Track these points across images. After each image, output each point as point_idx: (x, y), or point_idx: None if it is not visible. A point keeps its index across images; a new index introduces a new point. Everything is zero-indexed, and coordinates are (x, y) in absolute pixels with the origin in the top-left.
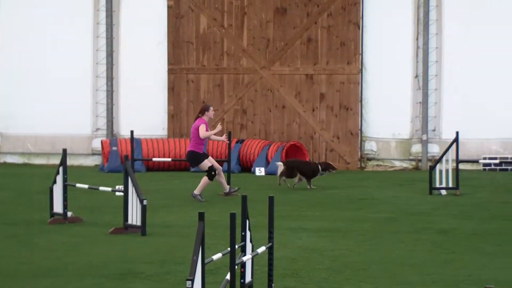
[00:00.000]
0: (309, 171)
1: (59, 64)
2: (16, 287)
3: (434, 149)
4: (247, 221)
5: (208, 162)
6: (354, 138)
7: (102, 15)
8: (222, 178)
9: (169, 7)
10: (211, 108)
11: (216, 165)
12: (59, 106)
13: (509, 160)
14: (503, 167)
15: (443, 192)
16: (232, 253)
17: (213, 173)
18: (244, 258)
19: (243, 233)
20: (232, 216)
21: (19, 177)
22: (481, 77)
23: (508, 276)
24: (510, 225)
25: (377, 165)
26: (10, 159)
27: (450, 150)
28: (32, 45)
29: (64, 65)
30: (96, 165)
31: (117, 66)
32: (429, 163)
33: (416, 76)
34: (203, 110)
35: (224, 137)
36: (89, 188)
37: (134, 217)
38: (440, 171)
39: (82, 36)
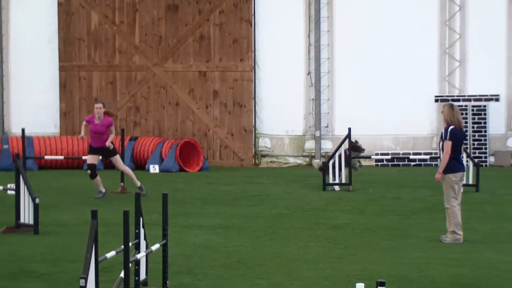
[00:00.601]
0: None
1: None
2: None
3: (327, 145)
4: (141, 219)
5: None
6: (248, 135)
7: None
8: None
9: (59, 4)
10: (95, 105)
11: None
12: None
13: (400, 155)
14: (395, 162)
15: (336, 188)
16: (126, 251)
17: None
18: (138, 256)
19: (137, 231)
20: (125, 213)
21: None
22: (373, 74)
23: (399, 271)
24: (402, 220)
25: (271, 161)
26: None
27: (342, 146)
28: None
29: None
30: None
31: (7, 64)
32: (323, 159)
33: (309, 73)
34: None
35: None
36: None
37: (26, 216)
38: (333, 167)
39: None
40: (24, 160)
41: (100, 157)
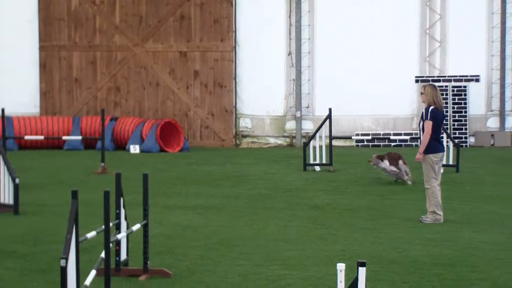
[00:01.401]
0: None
1: None
2: None
3: (308, 126)
4: (122, 199)
5: None
6: (229, 115)
7: None
8: None
9: None
10: None
11: None
12: None
13: (381, 136)
14: (376, 143)
15: (317, 168)
16: (107, 231)
17: None
18: (119, 236)
19: (117, 211)
20: (106, 194)
21: None
22: (353, 55)
23: (380, 251)
24: (382, 201)
25: (252, 142)
26: None
27: (323, 126)
28: None
29: None
30: None
31: None
32: (303, 140)
33: (289, 54)
34: None
35: None
36: None
37: (7, 196)
38: (314, 148)
39: None
40: (4, 140)
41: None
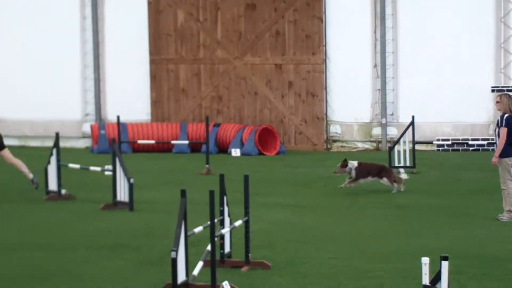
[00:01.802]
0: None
1: (51, 57)
2: (15, 259)
3: (393, 132)
4: (225, 197)
5: None
6: (320, 122)
7: (88, 10)
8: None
9: (149, 3)
10: None
11: None
12: (51, 94)
13: (460, 141)
14: (455, 147)
15: (402, 170)
16: (212, 226)
17: None
18: (223, 231)
19: (221, 208)
20: (211, 193)
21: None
22: (434, 67)
23: (461, 247)
24: (462, 200)
25: (341, 146)
26: (8, 142)
27: (407, 132)
28: (28, 34)
29: (55, 57)
30: (87, 147)
31: (103, 57)
32: (388, 144)
33: (375, 66)
34: None
35: None
36: (80, 168)
37: (122, 195)
38: (398, 152)
39: (70, 29)
40: (120, 144)
41: None
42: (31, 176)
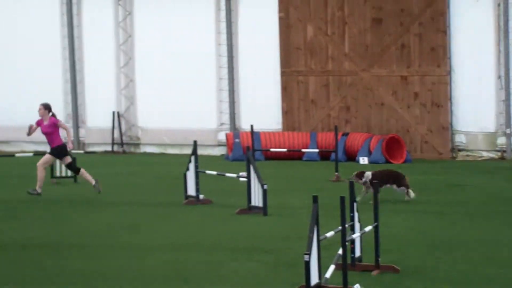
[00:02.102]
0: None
1: (190, 74)
2: (160, 261)
3: None
4: (355, 204)
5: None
6: (445, 131)
7: (223, 25)
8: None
9: (280, 18)
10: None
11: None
12: (189, 105)
13: None
14: None
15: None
16: (343, 231)
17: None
18: (354, 236)
19: (351, 214)
20: (342, 199)
21: (157, 165)
22: None
23: None
24: None
25: (466, 155)
26: (149, 149)
27: None
28: (168, 53)
29: (193, 71)
30: (222, 155)
31: (237, 70)
32: None
33: (499, 77)
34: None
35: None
36: (217, 174)
37: (256, 200)
38: None
39: (205, 44)
40: (253, 152)
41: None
42: (39, 190)
